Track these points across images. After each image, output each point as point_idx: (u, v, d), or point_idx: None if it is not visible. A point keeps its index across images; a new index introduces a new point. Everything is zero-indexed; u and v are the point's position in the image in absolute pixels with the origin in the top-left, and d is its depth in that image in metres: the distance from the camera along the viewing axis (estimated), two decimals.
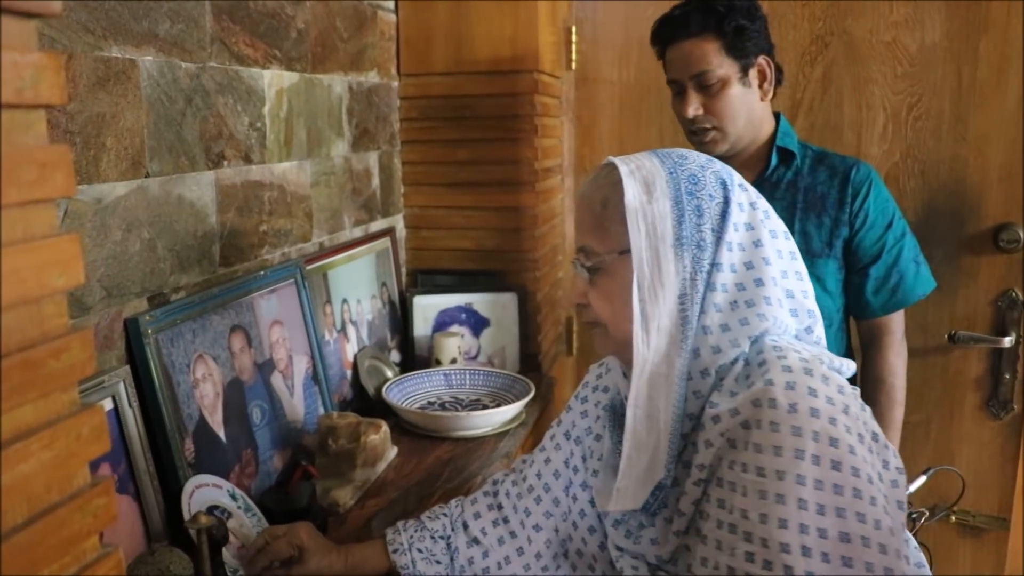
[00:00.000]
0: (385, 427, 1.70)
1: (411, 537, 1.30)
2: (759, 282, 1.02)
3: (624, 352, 1.07)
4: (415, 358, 2.30)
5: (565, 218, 2.76)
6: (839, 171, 1.73)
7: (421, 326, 2.32)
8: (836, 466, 0.87)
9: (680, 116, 1.75)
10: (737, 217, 1.03)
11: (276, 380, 1.64)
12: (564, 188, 2.72)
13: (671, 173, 1.04)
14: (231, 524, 1.29)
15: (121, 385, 1.25)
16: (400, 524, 1.33)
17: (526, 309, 2.36)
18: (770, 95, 1.76)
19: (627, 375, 1.15)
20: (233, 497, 1.35)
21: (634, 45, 2.56)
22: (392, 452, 1.77)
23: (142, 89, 1.30)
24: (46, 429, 0.58)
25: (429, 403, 2.04)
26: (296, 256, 1.81)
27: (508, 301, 2.36)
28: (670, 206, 1.02)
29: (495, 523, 1.30)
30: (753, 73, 1.72)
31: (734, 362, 1.01)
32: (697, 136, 1.75)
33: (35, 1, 0.54)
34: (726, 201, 1.03)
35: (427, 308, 2.33)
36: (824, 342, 1.10)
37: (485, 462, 1.77)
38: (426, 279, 2.43)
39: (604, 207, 1.06)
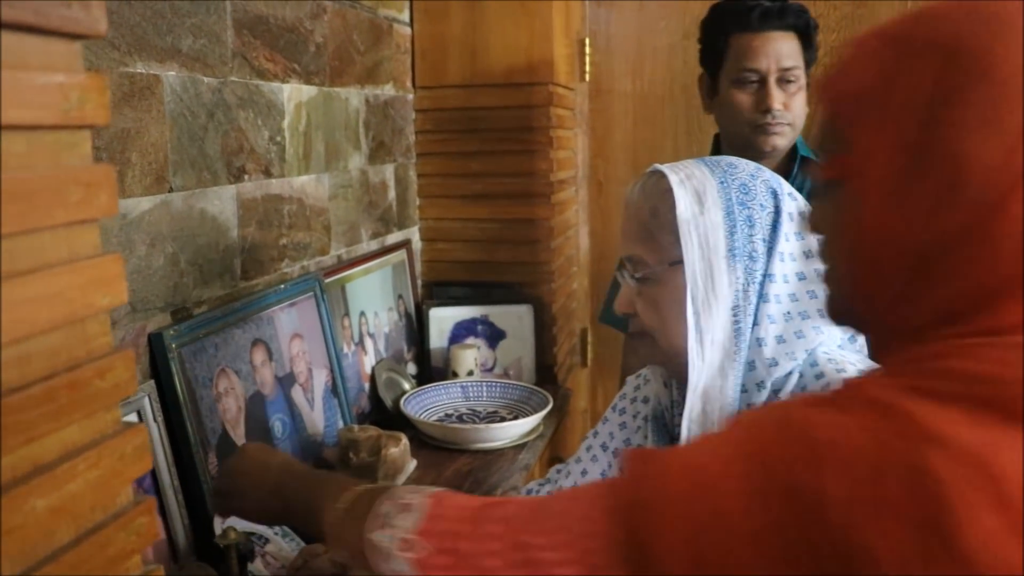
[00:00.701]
0: (405, 440, 1.69)
1: None
2: (812, 294, 1.02)
3: (671, 362, 1.07)
4: (431, 370, 2.30)
5: (579, 229, 2.76)
6: None
7: (437, 338, 2.32)
8: None
9: (747, 108, 1.69)
10: (788, 227, 1.02)
11: (296, 393, 1.64)
12: (578, 200, 2.72)
13: (722, 183, 1.03)
14: (268, 549, 1.29)
15: (146, 400, 1.26)
16: None
17: (541, 321, 2.36)
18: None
19: (667, 384, 1.15)
20: None
21: (647, 56, 2.57)
22: (411, 465, 1.76)
23: (165, 104, 1.31)
24: (92, 449, 0.58)
25: (447, 415, 2.04)
26: (315, 269, 1.82)
27: (524, 313, 2.36)
28: (722, 217, 1.01)
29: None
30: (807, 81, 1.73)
31: (789, 375, 1.01)
32: (764, 130, 1.70)
33: (82, 22, 0.55)
34: (777, 211, 1.03)
35: (443, 320, 2.33)
36: (866, 350, 1.10)
37: (505, 474, 1.76)
38: (441, 291, 2.43)
39: (654, 216, 1.05)
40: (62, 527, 0.56)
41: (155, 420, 1.26)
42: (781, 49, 1.67)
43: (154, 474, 1.25)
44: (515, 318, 2.36)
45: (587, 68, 2.65)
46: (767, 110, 1.66)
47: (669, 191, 1.03)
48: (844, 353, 1.03)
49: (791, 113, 1.68)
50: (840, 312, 0.77)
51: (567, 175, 2.54)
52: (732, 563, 0.62)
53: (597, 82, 2.66)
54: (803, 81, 1.69)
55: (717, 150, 1.84)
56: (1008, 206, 0.61)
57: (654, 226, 1.05)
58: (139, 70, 1.25)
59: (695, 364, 1.00)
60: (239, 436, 1.44)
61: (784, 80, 1.68)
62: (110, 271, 0.60)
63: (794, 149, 1.76)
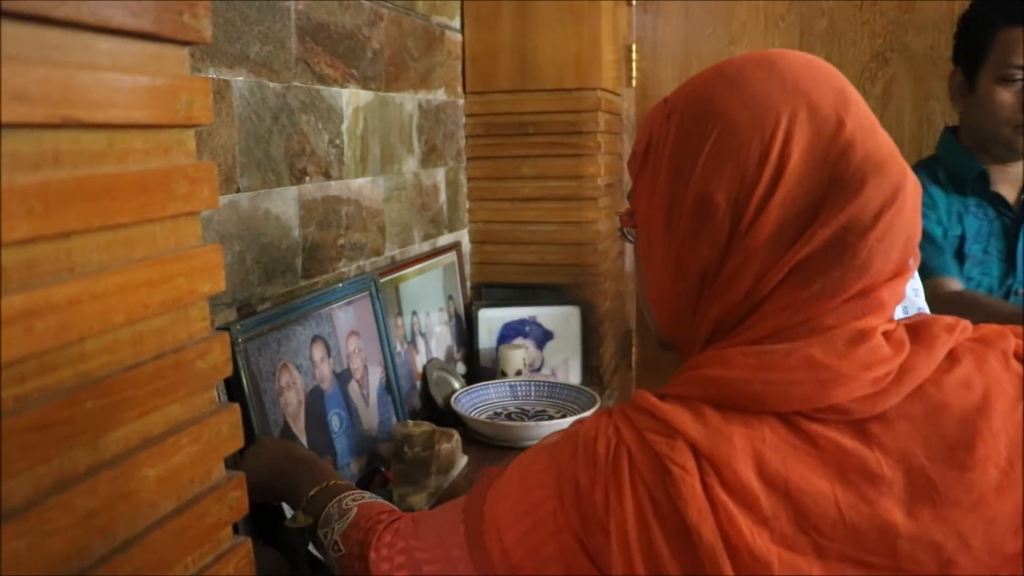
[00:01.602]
0: (457, 436, 1.73)
1: None
2: None
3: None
4: (480, 370, 2.34)
5: None
6: None
7: (486, 339, 2.36)
8: None
9: (1009, 106, 1.65)
10: None
11: (353, 389, 1.69)
12: (624, 205, 2.75)
13: None
14: None
15: (214, 392, 1.30)
16: None
17: (588, 322, 2.39)
18: None
19: None
20: None
21: (693, 62, 2.59)
22: (463, 461, 1.80)
23: (235, 108, 1.36)
24: (193, 425, 0.63)
25: (496, 414, 2.08)
26: (370, 269, 1.87)
27: (571, 314, 2.39)
28: None
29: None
30: None
31: None
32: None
33: (192, 29, 0.59)
34: None
35: (492, 321, 2.37)
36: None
37: None
38: (490, 293, 2.48)
39: None
40: (165, 497, 0.61)
41: None
42: None
43: None
44: (563, 319, 2.39)
45: (634, 74, 2.67)
46: None
47: None
48: None
49: None
50: (658, 338, 0.90)
51: (614, 179, 2.57)
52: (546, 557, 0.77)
53: (644, 88, 2.68)
54: None
55: (951, 145, 1.79)
56: (752, 229, 0.72)
57: None
58: (211, 75, 1.30)
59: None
60: (299, 429, 1.49)
61: None
62: (211, 261, 0.64)
63: None
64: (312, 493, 1.09)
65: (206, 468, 0.65)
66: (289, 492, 1.15)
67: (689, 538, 0.68)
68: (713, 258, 0.75)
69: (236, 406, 0.68)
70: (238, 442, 0.68)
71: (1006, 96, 1.62)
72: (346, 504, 1.03)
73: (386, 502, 1.05)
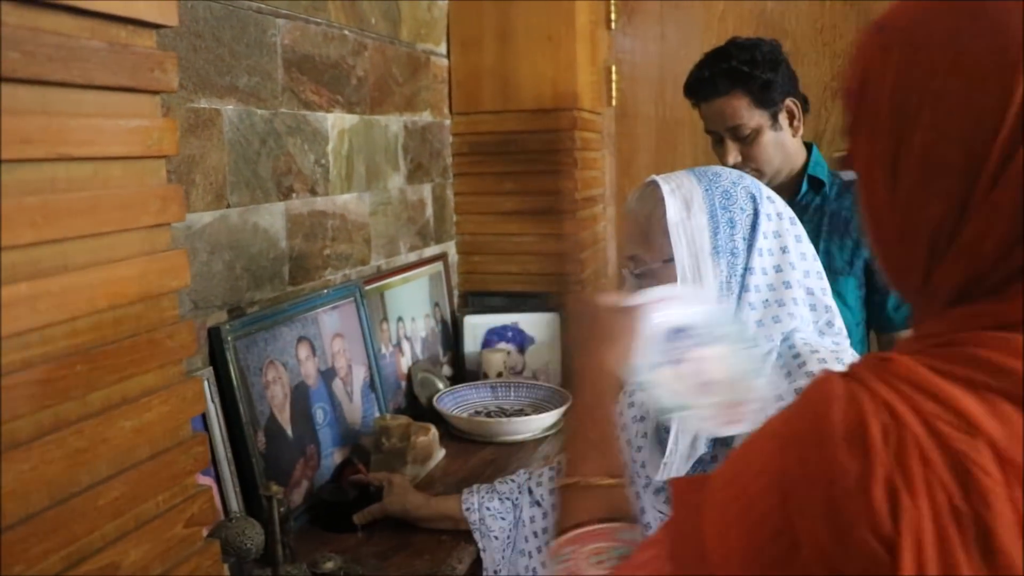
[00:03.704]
0: (434, 430, 1.90)
1: (482, 497, 1.51)
2: (787, 284, 1.19)
3: None
4: (465, 372, 2.50)
5: (608, 244, 2.95)
6: None
7: (471, 343, 2.53)
8: None
9: (721, 161, 1.89)
10: (766, 226, 1.20)
11: (337, 386, 1.86)
12: (606, 216, 2.92)
13: (706, 190, 1.21)
14: None
15: (205, 383, 1.48)
16: (475, 487, 1.55)
17: (568, 328, 2.54)
18: (800, 130, 1.93)
19: None
20: None
21: (668, 82, 2.76)
22: (440, 453, 1.97)
23: (224, 133, 1.54)
24: (164, 390, 0.80)
25: (476, 412, 2.24)
26: (356, 277, 2.04)
27: (552, 320, 2.55)
28: (706, 220, 1.19)
29: (552, 492, 1.49)
30: (782, 116, 1.88)
31: (767, 355, 1.17)
32: None
33: (162, 82, 0.77)
34: (755, 213, 1.20)
35: (476, 327, 2.53)
36: (845, 331, 1.25)
37: (524, 463, 1.95)
38: (476, 300, 2.65)
39: (649, 221, 1.22)
40: (140, 445, 0.78)
41: (212, 401, 1.49)
42: (723, 112, 1.85)
43: (211, 447, 1.48)
44: (544, 325, 2.55)
45: (614, 93, 2.84)
46: (726, 166, 1.84)
47: (662, 199, 1.21)
48: (819, 339, 1.20)
49: (752, 161, 1.86)
50: (888, 283, 0.75)
51: (595, 192, 2.74)
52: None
53: (623, 106, 2.85)
54: (764, 126, 1.85)
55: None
56: (997, 185, 0.60)
57: (649, 229, 1.22)
58: (203, 105, 1.48)
59: None
60: (285, 420, 1.66)
61: (737, 136, 1.86)
62: (178, 262, 0.82)
63: (804, 168, 1.93)
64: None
65: (175, 425, 0.82)
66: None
67: (994, 559, 0.54)
68: (948, 218, 0.62)
69: (200, 378, 0.85)
70: (201, 406, 0.85)
71: (718, 151, 1.92)
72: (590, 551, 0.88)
73: None
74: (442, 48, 2.50)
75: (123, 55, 0.72)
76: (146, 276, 0.78)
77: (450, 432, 2.12)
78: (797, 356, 1.16)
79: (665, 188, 1.21)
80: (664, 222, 1.20)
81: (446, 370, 2.47)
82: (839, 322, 1.25)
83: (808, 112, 1.95)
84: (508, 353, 2.47)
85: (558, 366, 2.54)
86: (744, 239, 1.20)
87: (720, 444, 1.19)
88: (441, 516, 1.56)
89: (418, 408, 2.21)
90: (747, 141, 1.87)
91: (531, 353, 2.56)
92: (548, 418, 2.12)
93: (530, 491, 1.52)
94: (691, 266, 1.18)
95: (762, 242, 1.20)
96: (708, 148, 1.98)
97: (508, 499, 1.52)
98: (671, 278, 1.20)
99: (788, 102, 1.88)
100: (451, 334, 2.53)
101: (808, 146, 1.98)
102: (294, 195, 1.77)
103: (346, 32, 1.95)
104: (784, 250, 1.21)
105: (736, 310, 1.19)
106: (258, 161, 1.65)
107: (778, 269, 1.20)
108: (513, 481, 1.55)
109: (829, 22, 2.57)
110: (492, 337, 2.55)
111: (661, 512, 1.28)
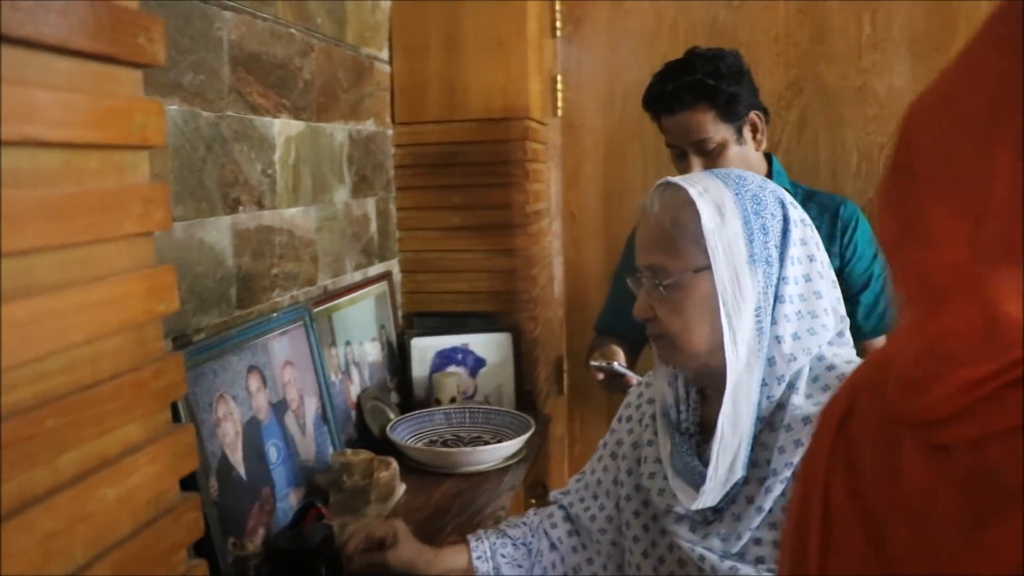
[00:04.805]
0: (395, 464, 1.73)
1: (493, 544, 1.36)
2: (818, 294, 1.11)
3: (690, 363, 1.14)
4: (414, 398, 2.34)
5: (554, 260, 2.82)
6: (828, 208, 1.83)
7: (419, 367, 2.36)
8: None
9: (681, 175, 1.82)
10: (796, 233, 1.11)
11: (289, 420, 1.67)
12: (552, 231, 2.79)
13: (736, 194, 1.10)
14: None
15: (169, 412, 1.29)
16: (481, 532, 1.40)
17: (520, 348, 2.41)
18: (763, 144, 1.85)
19: (671, 384, 1.22)
20: None
21: (617, 93, 2.66)
22: (401, 489, 1.80)
23: (168, 137, 1.35)
24: (150, 445, 0.63)
25: (432, 441, 2.08)
26: (303, 299, 1.86)
27: (503, 341, 2.41)
28: (740, 226, 1.08)
29: (569, 533, 1.38)
30: (747, 129, 1.80)
31: (801, 368, 1.09)
32: None
33: (147, 52, 0.60)
34: (785, 219, 1.11)
35: (424, 350, 2.37)
36: (852, 342, 1.18)
37: (493, 495, 1.80)
38: (422, 322, 2.48)
39: (675, 226, 1.11)
40: (124, 518, 0.61)
41: None
42: (687, 126, 1.78)
43: None
44: (495, 346, 2.41)
45: (559, 104, 2.73)
46: None
47: (689, 203, 1.09)
48: (837, 348, 1.13)
49: None
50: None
51: (541, 207, 2.61)
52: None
53: (569, 117, 2.74)
54: (729, 140, 1.78)
55: None
56: None
57: (676, 235, 1.11)
58: None
59: (731, 362, 1.07)
60: (237, 460, 1.47)
61: (701, 150, 1.78)
62: (166, 281, 0.65)
63: None
64: None
65: (162, 488, 0.65)
66: None
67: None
68: None
69: (191, 426, 0.68)
70: (194, 463, 0.68)
71: (680, 165, 1.85)
72: None
73: None
74: (384, 54, 2.34)
75: (103, 12, 0.55)
76: (128, 299, 0.60)
77: (406, 465, 1.96)
78: (832, 367, 1.10)
79: (693, 191, 1.10)
80: (694, 228, 1.09)
81: (394, 396, 2.30)
82: (848, 334, 1.18)
83: (770, 123, 1.88)
84: (460, 376, 2.31)
85: (512, 389, 2.40)
86: (776, 247, 1.11)
87: (752, 466, 1.10)
88: (450, 569, 1.38)
89: (370, 439, 2.04)
90: (712, 155, 1.78)
91: (483, 376, 2.41)
92: (511, 446, 1.97)
93: (546, 533, 1.39)
94: (731, 277, 1.08)
95: (794, 250, 1.11)
96: (659, 161, 1.90)
97: (523, 544, 1.38)
98: (701, 289, 1.09)
99: (752, 115, 1.81)
100: (398, 358, 2.36)
101: (767, 156, 1.90)
102: (240, 208, 1.59)
103: (292, 30, 1.77)
104: (811, 259, 1.13)
105: (771, 325, 1.09)
106: (203, 169, 1.46)
107: (808, 279, 1.12)
108: (524, 524, 1.40)
109: (783, 30, 2.51)
110: (442, 360, 2.39)
111: (685, 540, 1.16)
